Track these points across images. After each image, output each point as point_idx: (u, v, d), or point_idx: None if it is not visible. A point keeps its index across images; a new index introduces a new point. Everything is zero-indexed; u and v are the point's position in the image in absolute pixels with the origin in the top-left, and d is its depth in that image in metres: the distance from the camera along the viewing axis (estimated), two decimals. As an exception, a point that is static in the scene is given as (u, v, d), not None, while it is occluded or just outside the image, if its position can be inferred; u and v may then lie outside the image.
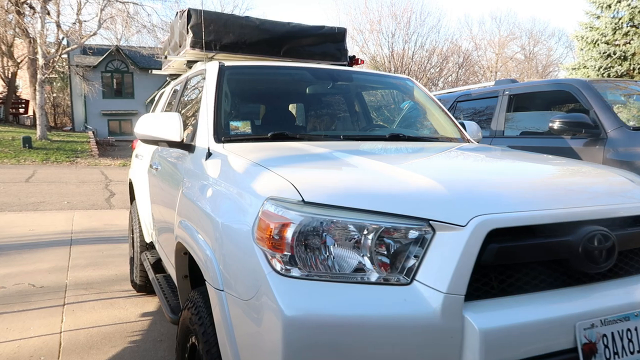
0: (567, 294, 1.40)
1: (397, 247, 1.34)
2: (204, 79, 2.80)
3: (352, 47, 33.57)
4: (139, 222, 4.14)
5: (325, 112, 3.05)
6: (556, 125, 3.80)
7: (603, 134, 3.73)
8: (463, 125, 3.18)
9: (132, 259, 4.55)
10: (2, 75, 31.25)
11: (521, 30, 54.95)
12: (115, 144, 26.54)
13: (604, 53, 16.34)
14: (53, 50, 21.52)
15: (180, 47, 3.78)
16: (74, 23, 22.74)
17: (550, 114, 3.92)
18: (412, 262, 1.32)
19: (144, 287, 4.25)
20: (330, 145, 2.18)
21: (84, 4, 22.85)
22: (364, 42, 35.81)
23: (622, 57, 16.06)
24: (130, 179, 4.67)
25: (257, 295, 1.35)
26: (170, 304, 2.69)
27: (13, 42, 27.16)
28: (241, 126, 2.52)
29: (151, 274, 3.32)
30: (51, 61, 21.00)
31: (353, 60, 4.18)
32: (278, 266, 1.34)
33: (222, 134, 2.35)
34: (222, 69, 2.70)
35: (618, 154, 3.59)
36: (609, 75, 16.27)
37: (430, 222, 1.33)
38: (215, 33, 3.54)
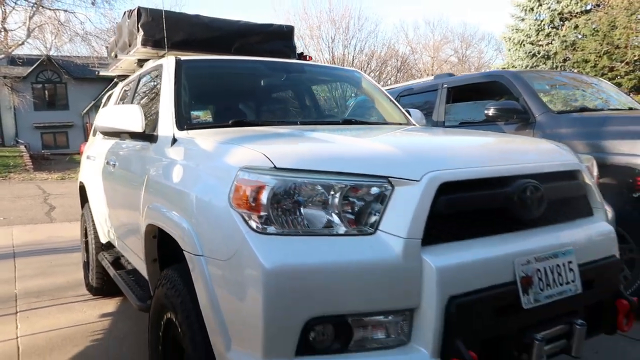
0: (507, 237, 1.63)
1: (362, 202, 1.51)
2: (159, 74, 2.87)
3: (293, 53, 33.76)
4: (93, 224, 4.10)
5: (280, 102, 3.20)
6: (490, 112, 4.14)
7: (532, 119, 4.11)
8: (409, 112, 3.42)
9: (86, 263, 4.48)
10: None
11: (454, 34, 57.39)
12: (51, 157, 25.32)
13: (529, 53, 17.52)
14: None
15: (130, 46, 3.81)
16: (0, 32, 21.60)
17: (485, 104, 4.26)
18: (375, 214, 1.49)
19: (100, 290, 4.20)
20: (290, 128, 2.34)
21: (10, 11, 21.74)
22: (305, 48, 36.14)
23: (546, 56, 17.28)
24: (81, 182, 4.60)
25: (236, 254, 1.48)
26: (137, 294, 2.74)
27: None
28: (202, 115, 2.63)
29: (112, 271, 3.33)
30: None
31: (301, 57, 4.36)
32: (255, 226, 1.48)
33: (184, 123, 2.44)
34: (179, 63, 2.80)
35: (545, 135, 3.96)
36: (535, 73, 17.46)
37: (389, 178, 1.52)
38: (165, 31, 3.61)
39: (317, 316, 1.40)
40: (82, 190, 4.51)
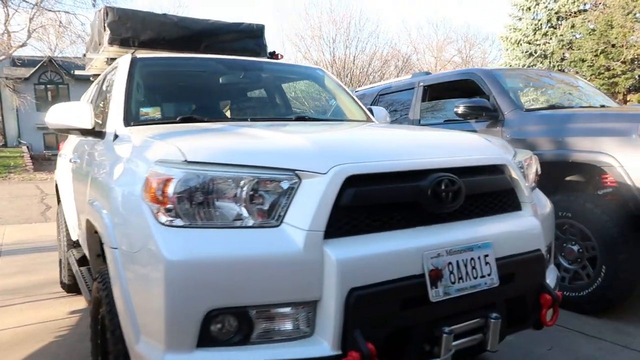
0: (420, 230, 1.64)
1: (269, 195, 1.52)
2: (116, 72, 2.90)
3: (295, 54, 33.95)
4: (65, 222, 4.14)
5: (236, 100, 3.22)
6: (460, 110, 4.14)
7: (501, 116, 4.10)
8: (371, 110, 3.43)
9: (60, 261, 4.52)
10: None
11: (457, 34, 57.22)
12: (52, 158, 25.50)
13: (526, 52, 17.46)
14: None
15: (100, 45, 3.85)
16: (2, 34, 21.78)
17: (460, 101, 4.26)
18: (282, 206, 1.51)
19: (73, 287, 4.23)
20: (233, 124, 2.35)
21: (13, 14, 21.93)
22: (306, 49, 36.23)
23: (543, 56, 17.21)
24: (55, 181, 4.65)
25: (144, 247, 1.50)
26: (90, 289, 2.77)
27: None
28: (151, 112, 2.65)
29: (75, 267, 3.36)
30: None
31: (273, 56, 4.38)
32: (163, 219, 1.49)
33: (132, 119, 2.47)
34: (134, 60, 2.82)
35: (513, 132, 3.96)
36: (532, 73, 17.41)
37: (296, 171, 1.53)
38: (133, 30, 3.63)
39: (217, 307, 1.41)
40: (57, 188, 4.55)
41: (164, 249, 1.43)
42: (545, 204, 2.25)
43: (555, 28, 17.15)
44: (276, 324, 1.47)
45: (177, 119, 2.51)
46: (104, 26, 3.60)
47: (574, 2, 16.22)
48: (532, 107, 4.11)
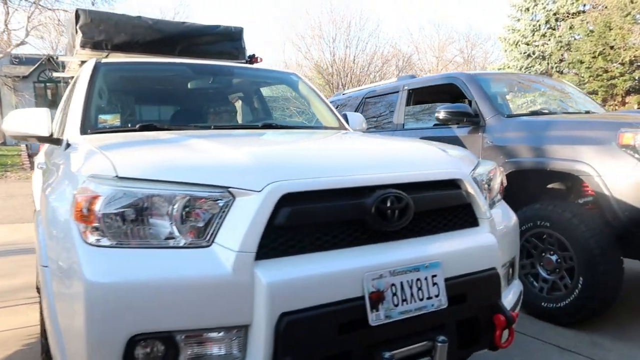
0: (362, 250, 1.56)
1: (202, 213, 1.46)
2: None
3: (296, 54, 33.86)
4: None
5: (203, 106, 3.15)
6: (441, 115, 4.07)
7: (482, 122, 4.03)
8: (346, 116, 3.36)
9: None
10: None
11: (459, 34, 56.93)
12: (51, 156, 25.43)
13: (524, 53, 17.34)
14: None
15: (73, 47, 3.79)
16: (3, 32, 21.75)
17: (441, 106, 4.18)
18: (214, 225, 1.44)
19: (48, 292, 4.18)
20: (189, 133, 2.29)
21: (13, 12, 21.88)
22: (306, 48, 36.16)
23: (542, 57, 17.09)
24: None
25: (70, 267, 1.44)
26: None
27: None
28: (110, 119, 2.59)
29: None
30: None
31: (253, 59, 4.31)
32: (90, 238, 1.43)
33: (89, 127, 2.41)
34: (97, 66, 2.76)
35: (494, 139, 3.88)
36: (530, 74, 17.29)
37: (229, 189, 1.46)
38: (106, 33, 3.57)
39: (141, 332, 1.35)
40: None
41: (85, 270, 1.36)
42: (509, 217, 2.18)
43: (554, 29, 17.02)
44: (206, 349, 1.41)
45: (137, 127, 2.44)
46: (76, 29, 3.54)
47: (573, 3, 16.09)
48: (514, 113, 4.03)
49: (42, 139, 2.46)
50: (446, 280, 1.65)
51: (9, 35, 21.84)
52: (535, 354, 2.95)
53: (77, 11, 3.55)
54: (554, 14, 16.88)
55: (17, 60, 23.60)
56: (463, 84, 4.32)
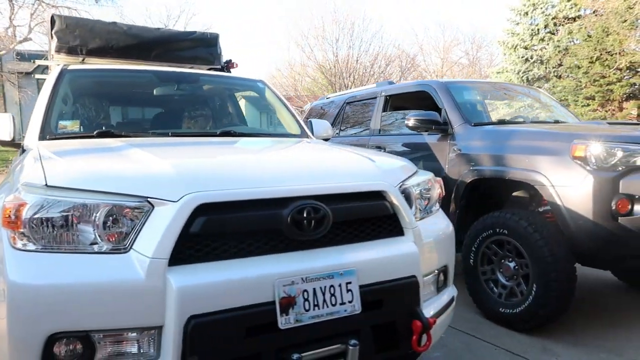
0: (277, 257, 1.66)
1: (123, 221, 1.56)
2: (50, 82, 2.95)
3: (300, 54, 33.94)
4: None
5: (166, 113, 3.25)
6: (411, 122, 4.15)
7: (450, 130, 4.11)
8: (311, 123, 3.45)
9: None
10: None
11: (464, 35, 56.85)
12: (53, 152, 25.61)
13: (522, 57, 17.35)
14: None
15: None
16: (8, 28, 21.97)
17: (411, 114, 4.26)
18: (133, 233, 1.54)
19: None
20: (137, 141, 2.38)
21: (17, 9, 22.09)
22: (310, 49, 36.25)
23: (540, 61, 17.11)
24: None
25: (1, 271, 1.53)
26: None
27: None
28: (70, 125, 2.69)
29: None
30: None
31: (229, 64, 4.41)
32: (18, 243, 1.53)
33: (48, 133, 2.51)
34: (62, 72, 2.87)
35: (461, 147, 3.96)
36: (527, 79, 17.32)
37: (149, 199, 1.56)
38: (81, 38, 3.67)
39: (60, 331, 1.45)
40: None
41: (10, 273, 1.46)
42: (443, 227, 2.26)
43: (553, 34, 17.03)
44: (122, 348, 1.50)
45: (94, 133, 2.54)
46: (52, 34, 3.65)
47: (572, 7, 16.09)
48: (480, 121, 4.11)
49: (4, 143, 2.57)
50: (362, 287, 1.74)
51: (14, 31, 22.06)
52: (485, 358, 3.04)
53: (52, 16, 3.66)
54: (553, 19, 16.90)
55: (18, 56, 23.84)
56: (434, 91, 4.40)
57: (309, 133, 3.26)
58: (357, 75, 37.76)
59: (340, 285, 1.70)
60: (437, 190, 2.34)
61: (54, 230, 1.53)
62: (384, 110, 5.06)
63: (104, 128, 2.67)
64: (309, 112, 6.66)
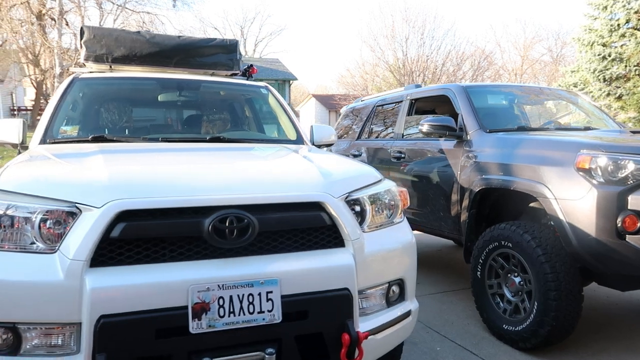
0: (197, 264, 1.72)
1: (55, 224, 1.69)
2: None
3: (370, 54, 33.79)
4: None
5: (164, 118, 3.41)
6: (424, 128, 4.05)
7: (465, 136, 3.97)
8: (312, 129, 3.48)
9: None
10: (33, 84, 32.76)
11: (548, 32, 53.69)
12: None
13: (599, 55, 16.08)
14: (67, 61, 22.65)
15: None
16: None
17: (425, 119, 4.16)
18: (61, 236, 1.67)
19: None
20: (117, 147, 2.54)
21: (106, 16, 23.90)
22: (380, 50, 36.09)
23: (619, 59, 15.77)
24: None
25: None
26: None
27: (39, 52, 28.34)
28: (70, 130, 2.92)
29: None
30: (67, 70, 22.12)
31: (250, 69, 4.56)
32: None
33: (49, 137, 2.75)
34: (73, 80, 3.12)
35: (473, 154, 3.82)
36: (604, 78, 16.03)
37: (77, 204, 1.69)
38: (107, 47, 3.95)
39: None
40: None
41: None
42: (400, 239, 2.21)
43: (636, 29, 15.62)
44: (45, 340, 1.64)
45: (89, 138, 2.75)
46: (81, 44, 3.96)
47: (658, 0, 14.66)
48: (497, 128, 3.92)
49: (15, 146, 2.85)
50: (285, 297, 1.76)
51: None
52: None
53: (82, 28, 3.97)
54: (636, 12, 15.48)
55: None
56: (454, 95, 4.26)
57: (305, 140, 3.30)
58: (428, 73, 37.01)
59: (260, 294, 1.73)
60: (399, 201, 2.29)
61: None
62: (409, 114, 4.97)
63: (104, 132, 2.88)
64: (344, 114, 6.67)
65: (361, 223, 2.10)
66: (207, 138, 2.94)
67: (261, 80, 4.24)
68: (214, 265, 1.73)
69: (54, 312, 1.60)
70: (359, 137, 5.81)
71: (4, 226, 1.70)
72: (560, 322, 3.00)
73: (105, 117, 3.20)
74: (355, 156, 5.69)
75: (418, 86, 5.17)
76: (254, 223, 1.77)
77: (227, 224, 1.73)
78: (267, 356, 1.71)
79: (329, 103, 42.68)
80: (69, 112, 2.97)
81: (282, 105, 3.52)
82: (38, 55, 29.08)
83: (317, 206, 1.93)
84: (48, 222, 1.70)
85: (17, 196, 1.73)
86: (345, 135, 6.24)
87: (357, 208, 2.12)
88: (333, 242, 1.95)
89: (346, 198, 2.04)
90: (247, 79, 4.79)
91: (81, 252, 1.61)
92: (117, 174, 1.85)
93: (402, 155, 4.74)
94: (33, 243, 1.70)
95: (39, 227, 1.69)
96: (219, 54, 4.23)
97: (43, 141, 2.71)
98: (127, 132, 3.06)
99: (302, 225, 1.90)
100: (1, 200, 1.72)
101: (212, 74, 4.27)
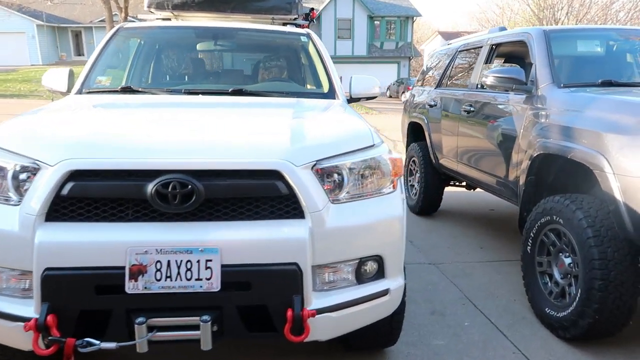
0: (139, 226, 1.74)
1: (20, 178, 1.81)
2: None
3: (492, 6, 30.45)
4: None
5: (200, 68, 3.39)
6: (489, 80, 3.58)
7: (535, 90, 3.44)
8: (351, 80, 3.27)
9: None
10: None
11: None
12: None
13: None
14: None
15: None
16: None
17: (490, 70, 3.65)
18: (23, 190, 1.79)
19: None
20: (130, 100, 2.62)
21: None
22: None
23: None
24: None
25: None
26: None
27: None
28: (104, 80, 3.06)
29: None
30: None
31: (311, 13, 4.38)
32: None
33: (85, 86, 2.94)
34: (118, 30, 3.25)
35: (537, 112, 3.31)
36: None
37: (36, 161, 1.78)
38: None
39: None
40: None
41: None
42: (382, 212, 2.02)
43: None
44: (6, 283, 1.80)
45: (119, 89, 2.88)
46: (143, -8, 4.10)
47: None
48: (574, 82, 3.32)
49: (63, 94, 3.09)
50: (225, 266, 1.73)
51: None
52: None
53: (143, -23, 4.09)
54: None
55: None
56: (530, 42, 3.68)
57: (338, 93, 3.11)
58: (571, 9, 32.74)
59: (199, 262, 1.72)
60: (389, 170, 2.08)
61: None
62: (487, 62, 4.43)
63: (138, 83, 2.99)
64: (427, 60, 6.18)
65: (338, 193, 1.96)
66: (229, 90, 2.91)
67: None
68: (156, 229, 1.74)
69: (12, 259, 1.75)
70: (438, 86, 5.36)
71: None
72: (604, 316, 2.59)
73: (142, 66, 3.31)
74: (431, 106, 5.29)
75: (503, 29, 4.54)
76: (199, 189, 1.73)
77: (169, 189, 1.71)
78: (202, 323, 1.72)
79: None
80: (112, 61, 3.12)
81: (320, 55, 3.33)
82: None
83: (275, 174, 1.82)
84: (18, 176, 1.82)
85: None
86: (426, 83, 5.80)
87: (336, 176, 1.96)
88: (292, 213, 1.84)
89: (313, 166, 1.89)
90: (309, 24, 4.62)
91: (34, 207, 1.72)
92: (77, 133, 1.91)
93: (472, 109, 4.28)
94: (6, 195, 1.84)
95: (12, 180, 1.83)
96: None
97: (79, 91, 2.90)
98: (151, 83, 3.15)
99: (255, 194, 1.81)
100: None
101: (272, 20, 4.18)
